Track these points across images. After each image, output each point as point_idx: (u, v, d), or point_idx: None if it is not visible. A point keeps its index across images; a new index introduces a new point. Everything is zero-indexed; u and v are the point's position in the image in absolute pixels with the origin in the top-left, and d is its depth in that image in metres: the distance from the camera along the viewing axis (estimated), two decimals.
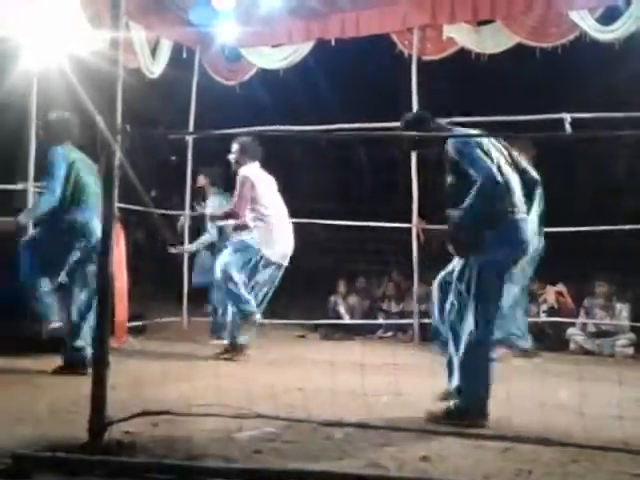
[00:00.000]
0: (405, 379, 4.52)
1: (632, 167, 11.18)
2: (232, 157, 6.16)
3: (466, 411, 3.67)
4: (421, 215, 7.56)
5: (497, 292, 3.75)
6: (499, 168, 3.75)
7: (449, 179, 3.94)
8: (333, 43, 7.88)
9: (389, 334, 8.20)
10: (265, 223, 5.94)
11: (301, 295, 9.41)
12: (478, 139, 3.84)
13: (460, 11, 7.30)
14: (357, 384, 3.91)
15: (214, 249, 7.14)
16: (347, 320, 8.40)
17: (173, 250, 7.49)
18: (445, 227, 4.01)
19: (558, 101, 7.59)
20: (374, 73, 10.19)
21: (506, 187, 3.74)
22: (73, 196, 4.93)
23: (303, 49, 8.00)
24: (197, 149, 8.44)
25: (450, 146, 3.87)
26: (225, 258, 5.85)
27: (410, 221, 7.59)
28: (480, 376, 3.70)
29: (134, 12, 7.15)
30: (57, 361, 5.05)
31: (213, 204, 7.22)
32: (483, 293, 3.71)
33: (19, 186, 6.65)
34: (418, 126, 4.07)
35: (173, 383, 4.60)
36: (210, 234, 7.31)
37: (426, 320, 7.75)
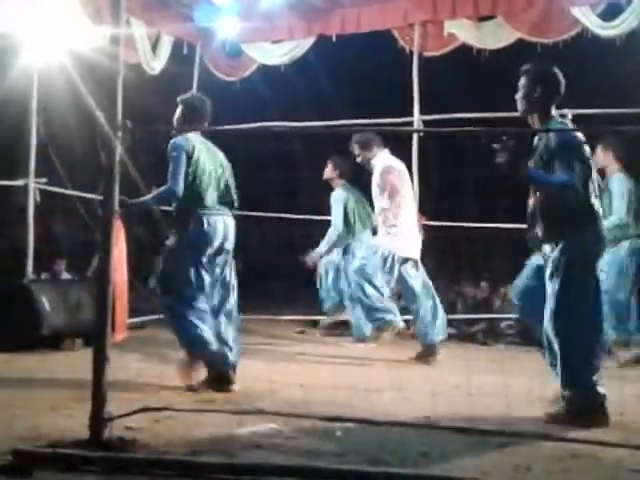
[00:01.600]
0: (406, 374, 4.53)
1: (631, 164, 11.16)
2: (357, 158, 5.97)
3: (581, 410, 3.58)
4: (421, 211, 7.56)
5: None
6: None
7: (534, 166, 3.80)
8: (334, 39, 7.86)
9: None
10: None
11: (301, 290, 9.41)
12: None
13: (461, 7, 7.29)
14: (358, 380, 3.92)
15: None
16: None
17: (308, 261, 7.06)
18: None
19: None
20: (375, 69, 10.16)
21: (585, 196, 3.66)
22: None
23: (304, 45, 7.99)
24: None
25: (556, 138, 3.70)
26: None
27: None
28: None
29: (135, 8, 7.14)
30: (57, 359, 5.06)
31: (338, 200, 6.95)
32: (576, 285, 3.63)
33: (20, 182, 6.66)
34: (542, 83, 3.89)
35: (174, 379, 4.60)
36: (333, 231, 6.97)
37: None
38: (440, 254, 9.11)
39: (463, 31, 7.46)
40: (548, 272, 3.71)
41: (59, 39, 6.13)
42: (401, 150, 6.72)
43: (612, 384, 3.68)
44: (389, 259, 5.66)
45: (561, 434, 3.29)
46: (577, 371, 3.64)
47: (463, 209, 8.39)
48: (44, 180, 6.76)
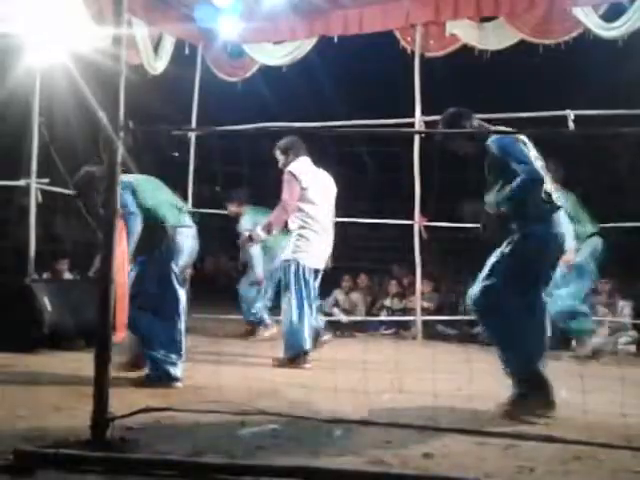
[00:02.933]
0: (407, 376, 4.52)
1: (634, 164, 11.16)
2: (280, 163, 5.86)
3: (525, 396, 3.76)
4: (423, 212, 7.58)
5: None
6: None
7: (490, 178, 3.98)
8: (336, 40, 7.87)
9: (391, 331, 8.21)
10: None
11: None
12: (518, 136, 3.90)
13: (463, 7, 7.30)
14: (359, 381, 3.92)
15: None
16: (344, 318, 8.41)
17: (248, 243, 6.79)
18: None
19: (561, 98, 7.58)
20: (377, 70, 10.17)
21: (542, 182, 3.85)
22: None
23: (306, 46, 7.99)
24: (200, 145, 8.44)
25: (493, 144, 3.89)
26: None
27: (412, 218, 7.59)
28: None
29: (137, 9, 7.15)
30: (59, 359, 5.06)
31: (247, 223, 7.06)
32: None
33: (22, 182, 6.66)
34: (456, 123, 4.09)
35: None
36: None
37: (428, 317, 7.78)
38: (442, 255, 9.12)
39: (465, 32, 7.47)
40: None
41: (62, 40, 6.13)
42: (403, 151, 6.75)
43: (612, 386, 3.68)
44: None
45: (564, 436, 3.28)
46: (513, 357, 3.82)
47: (464, 210, 8.39)
48: (46, 180, 6.77)
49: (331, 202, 5.90)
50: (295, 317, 5.50)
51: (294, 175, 5.58)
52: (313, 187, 5.65)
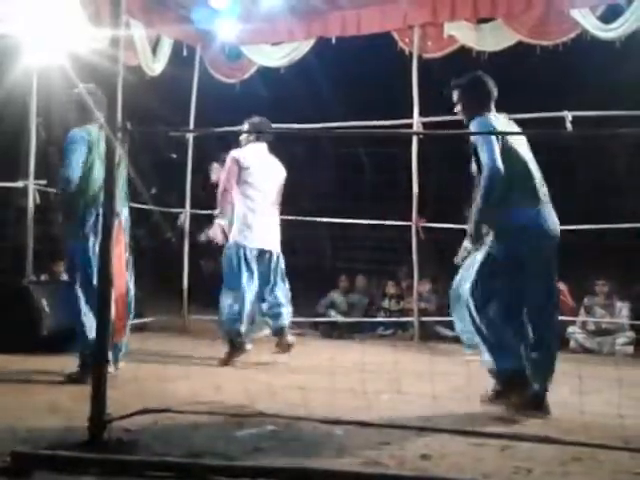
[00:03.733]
0: (405, 377, 4.52)
1: (632, 165, 11.17)
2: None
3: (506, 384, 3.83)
4: (421, 212, 7.58)
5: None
6: (515, 154, 3.91)
7: (474, 168, 4.05)
8: (334, 41, 7.87)
9: (389, 332, 8.21)
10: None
11: (300, 293, 9.41)
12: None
13: (461, 9, 7.29)
14: (357, 382, 3.92)
15: None
16: (340, 319, 8.40)
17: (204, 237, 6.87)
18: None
19: (559, 99, 7.58)
20: (375, 71, 10.17)
21: (525, 172, 3.92)
22: None
23: (304, 47, 7.99)
24: (197, 147, 8.43)
25: (472, 127, 4.00)
26: None
27: (410, 219, 7.59)
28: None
29: (134, 10, 7.14)
30: (57, 360, 5.05)
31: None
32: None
33: (19, 183, 6.66)
34: (473, 91, 4.20)
35: (173, 381, 4.60)
36: None
37: (426, 318, 7.78)
38: (439, 256, 9.12)
39: (462, 33, 7.46)
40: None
41: (59, 41, 6.13)
42: (401, 152, 6.75)
43: (610, 387, 3.68)
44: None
45: (562, 437, 3.29)
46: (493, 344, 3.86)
47: (462, 211, 8.38)
48: (44, 182, 6.77)
49: (275, 188, 5.93)
50: (230, 300, 5.54)
51: (236, 160, 5.69)
52: (255, 171, 5.73)
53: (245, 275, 5.58)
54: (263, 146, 5.91)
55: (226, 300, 5.59)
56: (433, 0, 7.41)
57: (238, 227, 5.67)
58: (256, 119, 5.93)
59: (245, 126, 5.99)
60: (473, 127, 3.99)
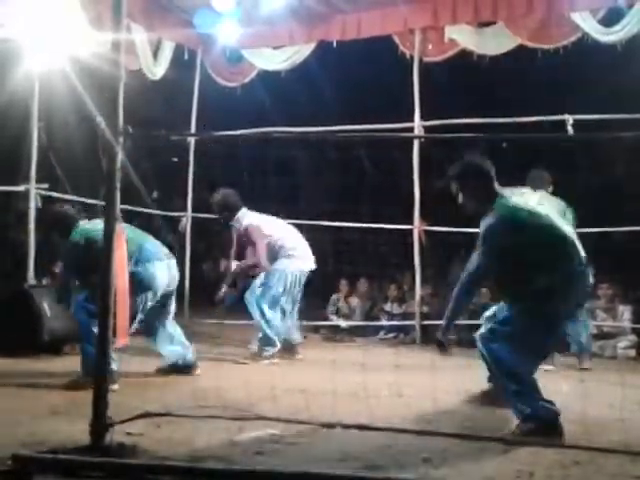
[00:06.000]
0: (406, 381, 4.52)
1: (634, 169, 11.16)
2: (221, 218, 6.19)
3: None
4: (423, 217, 7.58)
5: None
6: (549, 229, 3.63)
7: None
8: (335, 45, 7.88)
9: (391, 336, 8.20)
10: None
11: (302, 296, 9.40)
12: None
13: (461, 12, 7.30)
14: (358, 386, 3.91)
15: None
16: (343, 323, 8.40)
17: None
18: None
19: (560, 103, 7.58)
20: (376, 75, 10.17)
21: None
22: None
23: (304, 51, 8.00)
24: (199, 151, 8.44)
25: (482, 225, 3.63)
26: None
27: (412, 223, 7.59)
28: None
29: (136, 14, 7.16)
30: (58, 364, 5.05)
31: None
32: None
33: (21, 187, 6.66)
34: (471, 179, 3.74)
35: (174, 385, 4.60)
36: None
37: (428, 322, 7.77)
38: (440, 260, 9.11)
39: (463, 37, 7.47)
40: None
41: (60, 45, 6.14)
42: (402, 155, 6.75)
43: (613, 390, 3.67)
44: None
45: (563, 441, 3.28)
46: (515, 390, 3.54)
47: (464, 215, 8.38)
48: (45, 186, 6.77)
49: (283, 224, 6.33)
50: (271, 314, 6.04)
51: (257, 228, 5.99)
52: (267, 226, 6.07)
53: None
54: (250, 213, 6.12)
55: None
56: (434, 4, 7.42)
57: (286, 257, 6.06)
58: (221, 197, 6.07)
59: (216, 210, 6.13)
60: (491, 220, 3.59)
